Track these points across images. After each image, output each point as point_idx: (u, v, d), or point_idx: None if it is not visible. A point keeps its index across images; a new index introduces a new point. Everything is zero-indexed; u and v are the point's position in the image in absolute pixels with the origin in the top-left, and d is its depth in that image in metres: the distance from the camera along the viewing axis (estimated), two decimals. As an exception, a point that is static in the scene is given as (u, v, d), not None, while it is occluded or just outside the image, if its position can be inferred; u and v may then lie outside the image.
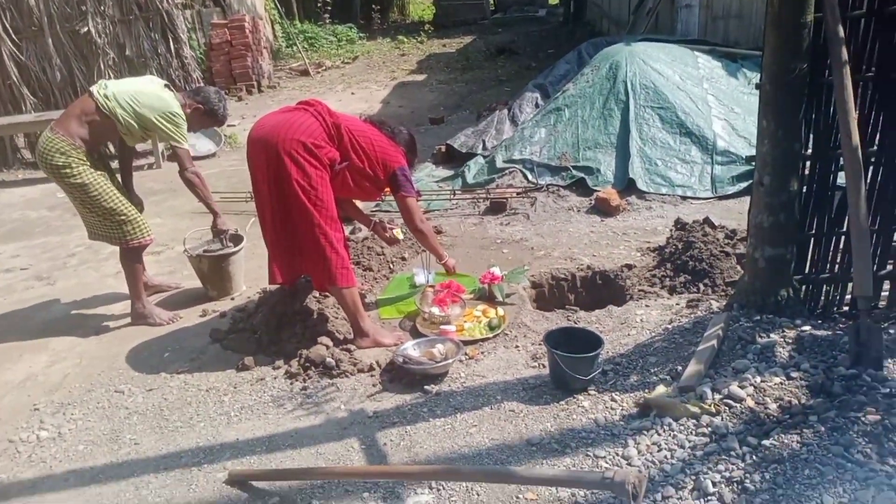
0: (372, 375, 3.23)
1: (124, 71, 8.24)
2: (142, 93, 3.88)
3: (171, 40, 8.34)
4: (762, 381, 2.54)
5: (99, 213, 3.88)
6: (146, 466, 2.75)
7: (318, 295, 3.71)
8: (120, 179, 4.19)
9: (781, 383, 2.52)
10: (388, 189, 3.73)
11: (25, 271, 5.03)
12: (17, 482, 2.74)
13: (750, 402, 2.45)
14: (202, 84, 9.22)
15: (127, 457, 2.83)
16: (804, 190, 3.01)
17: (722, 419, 2.42)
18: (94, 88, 3.90)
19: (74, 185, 3.79)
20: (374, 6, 20.26)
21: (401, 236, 4.20)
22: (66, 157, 3.74)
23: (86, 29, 7.98)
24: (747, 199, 3.14)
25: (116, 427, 3.04)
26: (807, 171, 3.00)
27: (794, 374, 2.55)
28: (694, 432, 2.41)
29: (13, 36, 7.94)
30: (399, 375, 3.18)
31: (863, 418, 2.18)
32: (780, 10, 2.75)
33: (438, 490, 2.41)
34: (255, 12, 12.79)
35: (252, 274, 4.47)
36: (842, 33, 2.69)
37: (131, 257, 4.00)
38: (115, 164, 4.32)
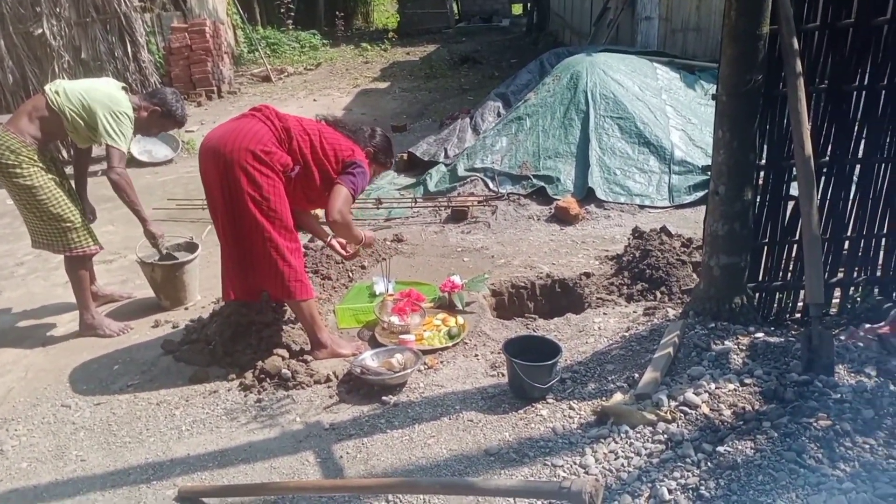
0: (329, 387, 3.18)
1: (79, 74, 8.02)
2: (94, 89, 3.79)
3: (128, 44, 8.15)
4: (717, 388, 2.56)
5: (44, 218, 3.76)
6: (93, 484, 2.65)
7: (274, 305, 3.64)
8: (73, 185, 4.06)
9: (735, 390, 2.54)
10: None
11: (-30, 281, 4.86)
12: (-45, 501, 2.62)
13: (705, 409, 2.47)
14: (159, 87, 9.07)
15: (73, 474, 2.73)
16: (758, 199, 3.05)
17: (678, 426, 2.43)
18: (47, 86, 3.81)
19: (22, 186, 3.67)
20: (337, 13, 20.23)
21: (359, 251, 3.99)
22: (16, 155, 3.64)
23: (40, 31, 7.76)
24: (703, 208, 3.18)
25: (62, 443, 2.93)
26: (761, 181, 3.04)
27: (747, 381, 2.57)
28: (650, 440, 2.42)
29: (-38, 38, 7.69)
30: (357, 386, 3.14)
31: (815, 424, 2.21)
32: (737, 21, 2.79)
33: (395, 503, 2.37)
34: (216, 17, 12.64)
35: (206, 283, 4.38)
36: (796, 45, 2.74)
37: (76, 266, 3.88)
38: (69, 171, 4.20)
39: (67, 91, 3.76)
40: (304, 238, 4.28)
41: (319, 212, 3.65)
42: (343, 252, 3.91)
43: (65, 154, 7.45)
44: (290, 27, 17.47)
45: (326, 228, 3.87)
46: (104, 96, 3.77)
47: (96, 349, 3.73)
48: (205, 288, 4.34)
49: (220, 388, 3.22)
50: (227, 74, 12.44)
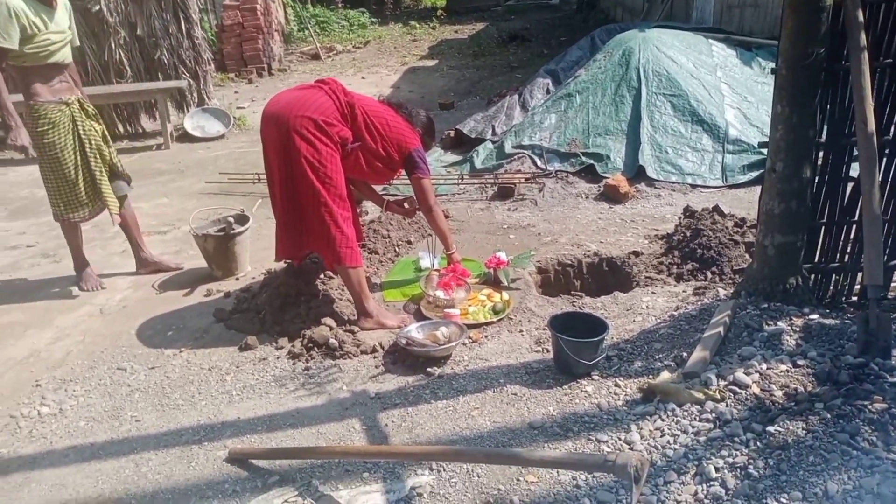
0: (375, 357, 3.22)
1: (135, 50, 8.21)
2: None
3: (182, 20, 8.28)
4: (768, 369, 2.51)
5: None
6: (147, 443, 2.75)
7: (322, 276, 3.70)
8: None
9: (788, 371, 2.48)
10: (400, 171, 3.69)
11: (32, 248, 5.04)
12: (17, 457, 2.73)
13: (755, 389, 2.42)
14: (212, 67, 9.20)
15: (128, 433, 2.83)
16: (816, 178, 2.96)
17: (726, 405, 2.39)
18: None
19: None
20: (386, -9, 20.17)
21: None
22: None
23: (97, 7, 7.93)
24: (758, 188, 3.10)
25: (118, 404, 3.04)
26: (820, 159, 2.95)
27: (800, 362, 2.51)
28: (698, 418, 2.38)
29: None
30: (402, 357, 3.17)
31: (869, 407, 2.15)
32: (799, -8, 2.69)
33: (439, 471, 2.39)
34: (266, -5, 12.72)
35: (257, 255, 4.46)
36: (861, 18, 2.63)
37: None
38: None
39: None
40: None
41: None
42: (403, 208, 4.07)
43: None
44: (340, 5, 17.55)
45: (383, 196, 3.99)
46: None
47: (151, 315, 3.85)
48: (255, 259, 4.42)
49: (270, 356, 3.29)
50: (278, 52, 12.56)
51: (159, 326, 3.72)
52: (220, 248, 4.23)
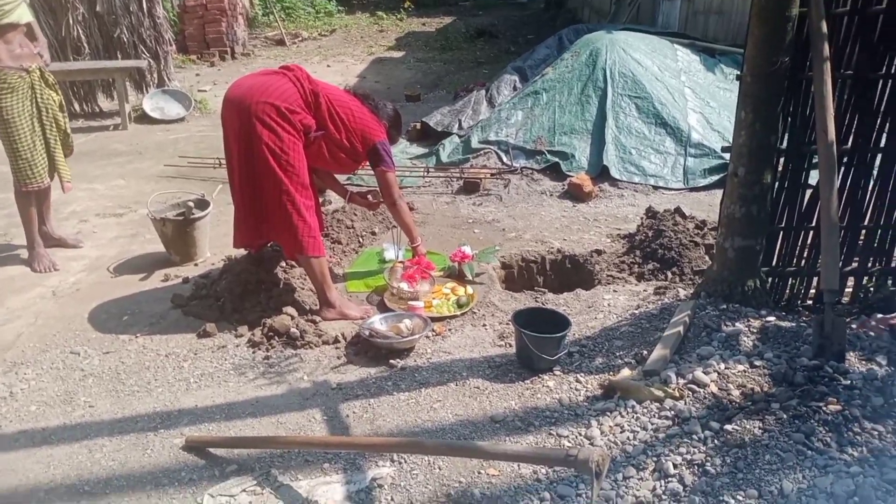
0: (337, 348, 3.19)
1: (93, 27, 7.97)
2: None
3: (143, -1, 8.08)
4: (726, 368, 2.56)
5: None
6: (100, 429, 2.68)
7: (284, 265, 3.65)
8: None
9: (745, 371, 2.54)
10: (365, 162, 3.65)
11: (-20, 227, 4.86)
12: (-36, 441, 2.64)
13: (713, 388, 2.47)
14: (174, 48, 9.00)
15: (81, 419, 2.75)
16: (777, 183, 3.03)
17: (685, 403, 2.43)
18: None
19: None
20: (354, -21, 19.95)
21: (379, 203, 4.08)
22: None
23: (55, -19, 7.69)
24: (718, 192, 3.17)
25: (71, 389, 2.96)
26: (781, 166, 3.02)
27: (757, 363, 2.57)
28: (657, 415, 2.42)
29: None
30: (364, 349, 3.15)
31: (824, 408, 2.21)
32: (767, 2, 2.74)
33: (400, 463, 2.39)
34: (232, -23, 12.48)
35: (217, 241, 4.37)
36: (825, 29, 2.70)
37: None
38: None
39: None
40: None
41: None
42: (367, 201, 4.04)
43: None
44: (306, -9, 17.28)
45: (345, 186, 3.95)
46: None
47: (106, 299, 3.74)
48: (215, 245, 4.34)
49: (229, 344, 3.24)
50: (242, 36, 12.32)
51: (114, 311, 3.63)
52: (179, 233, 4.14)
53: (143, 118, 7.94)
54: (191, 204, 4.28)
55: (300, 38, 13.99)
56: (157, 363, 3.12)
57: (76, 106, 8.29)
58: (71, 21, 7.84)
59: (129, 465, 2.47)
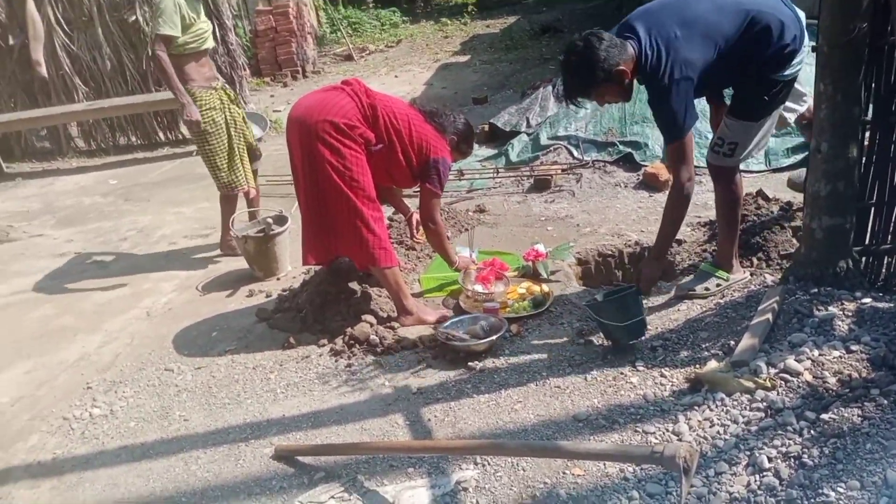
0: (416, 352, 3.22)
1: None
2: None
3: (217, 27, 8.38)
4: (820, 355, 2.43)
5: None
6: (195, 442, 2.79)
7: (361, 274, 3.71)
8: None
9: (841, 357, 2.40)
10: None
11: (80, 255, 5.16)
12: (71, 458, 2.80)
13: (807, 377, 2.35)
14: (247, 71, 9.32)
15: (176, 433, 2.88)
16: (864, 157, 2.86)
17: (778, 394, 2.32)
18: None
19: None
20: (417, -11, 20.19)
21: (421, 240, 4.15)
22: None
23: (134, 17, 8.11)
24: (803, 171, 3.01)
25: (166, 404, 3.10)
26: (867, 138, 2.85)
27: (854, 348, 2.43)
28: (748, 407, 2.33)
29: (65, 27, 8.13)
30: (443, 352, 3.16)
31: (929, 392, 2.07)
32: (840, -35, 2.60)
33: (483, 465, 2.38)
34: (298, -1, 12.85)
35: (297, 255, 4.43)
36: (906, -10, 2.53)
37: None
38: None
39: None
40: (388, 210, 4.35)
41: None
42: (413, 234, 4.06)
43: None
44: (371, 5, 17.59)
45: (407, 202, 3.98)
46: None
47: (196, 317, 3.91)
48: (295, 259, 4.45)
49: (312, 354, 3.32)
50: (311, 55, 12.66)
51: (204, 328, 3.78)
52: (261, 249, 4.28)
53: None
54: (270, 221, 4.42)
55: (367, 52, 14.25)
56: (246, 376, 3.23)
57: (160, 135, 8.74)
58: (150, 54, 8.25)
59: (222, 476, 2.56)
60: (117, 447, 2.84)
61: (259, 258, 4.31)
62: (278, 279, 4.31)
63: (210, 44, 4.43)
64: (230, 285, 4.31)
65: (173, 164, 7.67)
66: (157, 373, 3.37)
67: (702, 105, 5.34)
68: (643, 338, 2.98)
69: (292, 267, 4.41)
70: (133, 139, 8.80)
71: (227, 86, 4.62)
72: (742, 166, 5.07)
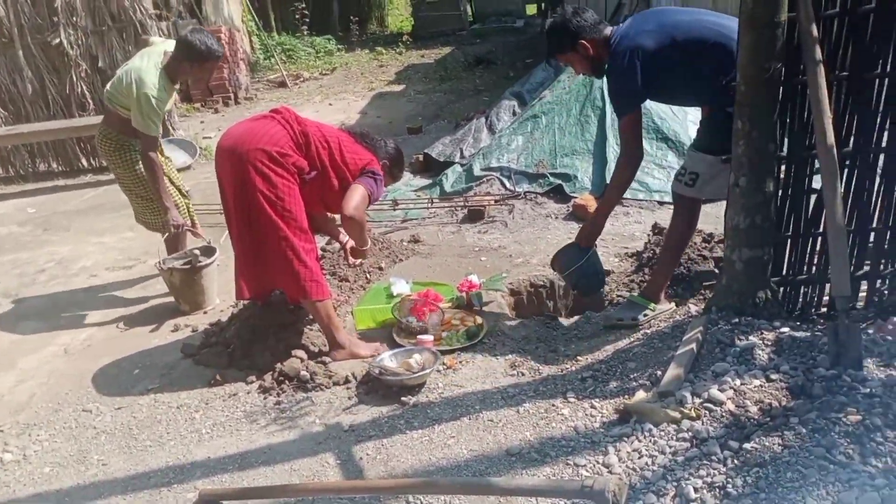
0: (348, 388, 3.16)
1: (97, 82, 8.11)
2: (133, 70, 4.00)
3: (145, 53, 8.21)
4: (742, 384, 2.50)
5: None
6: (114, 488, 2.66)
7: (291, 307, 3.63)
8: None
9: (761, 386, 2.48)
10: None
11: (-8, 288, 4.91)
12: (-22, 508, 2.64)
13: (730, 406, 2.41)
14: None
15: (94, 478, 2.74)
16: (780, 191, 2.99)
17: (703, 423, 2.38)
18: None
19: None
20: (352, 18, 20.27)
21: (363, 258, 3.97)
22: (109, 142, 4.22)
23: (57, 40, 7.85)
24: (723, 203, 3.13)
25: (84, 448, 2.95)
26: (782, 173, 2.98)
27: (773, 377, 2.51)
28: (675, 437, 2.37)
29: (-18, 49, 7.81)
30: (375, 387, 3.12)
31: (844, 419, 2.15)
32: (754, 9, 2.72)
33: (416, 504, 2.34)
34: (232, 24, 12.70)
35: (225, 287, 4.36)
36: (816, 33, 2.68)
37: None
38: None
39: (120, 81, 4.03)
40: (321, 241, 4.30)
41: (337, 217, 3.71)
42: (351, 261, 3.95)
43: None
44: (306, 33, 17.53)
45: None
46: (137, 80, 3.93)
47: (117, 354, 3.75)
48: (223, 292, 4.34)
49: (240, 391, 3.22)
50: (244, 81, 12.50)
51: (125, 365, 3.63)
52: (187, 282, 4.15)
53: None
54: (197, 252, 4.30)
55: (302, 79, 14.17)
56: (169, 416, 3.11)
57: (84, 161, 8.42)
58: (74, 78, 8.01)
59: (142, 523, 2.44)
60: (31, 494, 2.69)
61: (185, 291, 4.18)
62: (205, 312, 4.19)
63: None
64: (155, 319, 4.16)
65: (96, 192, 7.41)
66: (75, 414, 3.21)
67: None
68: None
69: (220, 300, 4.30)
70: (54, 165, 8.44)
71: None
72: (666, 198, 5.27)
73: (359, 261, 3.95)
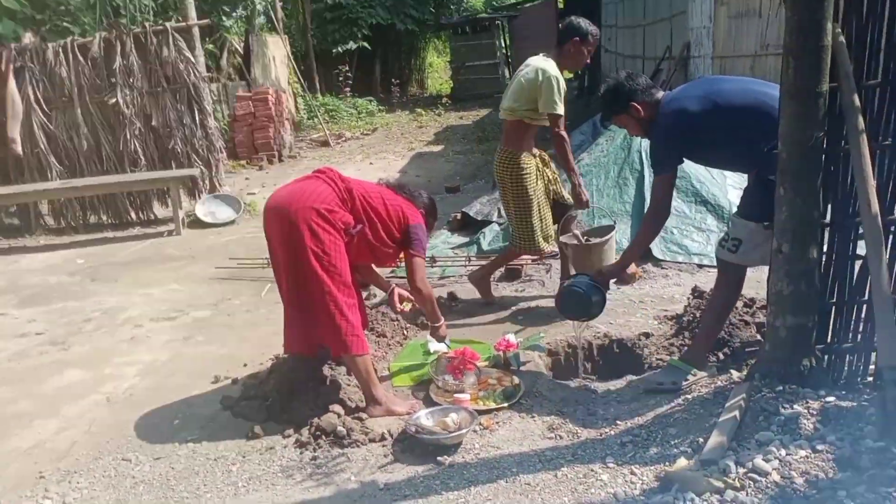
0: (384, 445, 3.15)
1: (149, 140, 8.46)
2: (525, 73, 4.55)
3: (196, 111, 8.53)
4: (787, 454, 2.44)
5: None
6: (150, 538, 2.68)
7: (331, 362, 3.67)
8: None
9: (807, 456, 2.42)
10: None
11: (41, 336, 5.04)
12: (18, 553, 2.66)
13: (775, 476, 2.35)
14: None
15: (131, 528, 2.76)
16: (824, 258, 2.96)
17: (747, 494, 2.31)
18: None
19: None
20: (393, 81, 20.91)
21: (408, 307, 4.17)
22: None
23: (114, 100, 8.25)
24: (764, 268, 3.10)
25: (121, 497, 2.97)
26: (826, 240, 2.96)
27: (820, 447, 2.45)
28: (718, 508, 2.31)
29: (44, 106, 8.22)
30: (411, 446, 3.11)
31: (894, 493, 2.08)
32: (795, 79, 2.76)
33: (450, 567, 2.31)
34: (278, 86, 13.20)
35: (266, 340, 4.44)
36: (857, 102, 2.70)
37: None
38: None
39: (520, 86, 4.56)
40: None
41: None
42: (398, 307, 4.05)
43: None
44: (348, 94, 18.11)
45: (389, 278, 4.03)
46: (539, 70, 4.42)
47: (158, 403, 3.81)
48: (264, 345, 4.40)
49: (277, 445, 3.24)
50: (288, 140, 12.90)
51: (166, 415, 3.68)
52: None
53: (195, 223, 8.28)
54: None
55: (344, 138, 14.57)
56: (207, 467, 3.13)
57: (133, 214, 8.72)
58: (128, 135, 8.37)
59: (177, 576, 2.44)
60: (67, 544, 2.71)
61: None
62: (245, 365, 4.19)
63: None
64: (196, 370, 4.22)
65: (143, 245, 7.63)
66: (115, 462, 3.25)
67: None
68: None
69: (260, 353, 4.33)
70: (104, 218, 8.76)
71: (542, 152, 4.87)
72: (705, 261, 5.23)
73: (407, 306, 4.07)
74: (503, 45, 22.02)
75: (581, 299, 3.54)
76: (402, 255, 3.77)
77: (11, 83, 7.93)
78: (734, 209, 5.40)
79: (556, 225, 4.70)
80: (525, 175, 4.53)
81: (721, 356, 3.61)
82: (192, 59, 8.34)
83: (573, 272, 4.42)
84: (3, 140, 8.08)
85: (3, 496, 3.06)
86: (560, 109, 4.41)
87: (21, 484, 3.14)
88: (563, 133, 4.47)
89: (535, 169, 4.62)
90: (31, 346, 4.88)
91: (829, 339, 3.04)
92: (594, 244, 4.48)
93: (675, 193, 5.56)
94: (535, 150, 4.73)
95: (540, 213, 4.60)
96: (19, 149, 8.03)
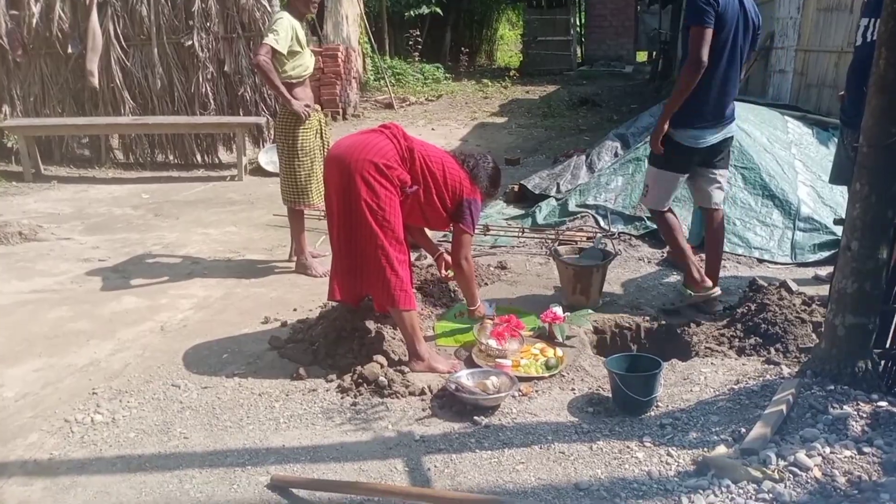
0: (423, 399, 3.20)
1: (220, 85, 8.61)
2: None
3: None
4: (831, 453, 2.39)
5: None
6: (192, 461, 2.78)
7: (377, 314, 3.72)
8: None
9: (852, 457, 2.36)
10: None
11: (103, 262, 5.23)
12: (66, 461, 2.80)
13: (817, 473, 2.31)
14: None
15: (175, 449, 2.87)
16: (892, 260, 2.86)
17: (785, 486, 2.28)
18: None
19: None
20: (463, 49, 20.77)
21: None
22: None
23: (190, 42, 8.40)
24: (828, 268, 3.01)
25: (168, 419, 3.10)
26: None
27: (866, 450, 2.39)
28: (754, 497, 2.28)
29: (122, 43, 8.43)
30: (450, 403, 3.14)
31: (942, 504, 2.02)
32: (886, 71, 2.64)
33: (478, 522, 2.34)
34: (349, 44, 13.23)
35: (316, 288, 4.53)
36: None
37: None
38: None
39: None
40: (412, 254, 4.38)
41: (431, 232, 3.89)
42: (443, 273, 4.12)
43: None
44: (416, 59, 18.08)
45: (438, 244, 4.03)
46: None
47: (209, 337, 3.93)
48: (313, 293, 4.49)
49: (319, 388, 3.31)
50: (353, 98, 12.96)
51: (216, 348, 3.80)
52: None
53: (257, 171, 8.44)
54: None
55: (408, 103, 14.58)
56: (251, 401, 3.23)
57: (198, 157, 8.94)
58: (201, 79, 8.52)
59: (215, 499, 2.54)
60: (114, 456, 2.83)
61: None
62: (295, 310, 4.30)
63: (310, 72, 4.91)
64: (247, 310, 4.33)
65: (206, 187, 7.82)
66: (164, 387, 3.38)
67: (732, 192, 5.40)
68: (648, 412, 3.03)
69: (311, 299, 4.42)
70: (171, 157, 9.01)
71: (320, 110, 5.02)
72: (766, 257, 5.10)
73: (451, 274, 4.06)
74: (578, 22, 21.60)
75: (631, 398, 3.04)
76: (451, 225, 3.77)
77: (94, 17, 8.15)
78: (803, 207, 5.28)
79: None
80: (298, 128, 4.76)
81: (773, 351, 3.52)
82: (268, 7, 8.41)
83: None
84: (81, 72, 8.34)
85: (57, 406, 3.22)
86: (269, 41, 4.49)
87: (75, 397, 3.30)
88: (265, 60, 4.51)
89: (313, 125, 4.84)
90: (93, 270, 5.08)
91: (887, 344, 2.95)
92: (585, 268, 4.27)
93: (741, 184, 5.46)
94: (317, 106, 4.95)
95: (306, 168, 4.78)
96: (96, 82, 8.27)
